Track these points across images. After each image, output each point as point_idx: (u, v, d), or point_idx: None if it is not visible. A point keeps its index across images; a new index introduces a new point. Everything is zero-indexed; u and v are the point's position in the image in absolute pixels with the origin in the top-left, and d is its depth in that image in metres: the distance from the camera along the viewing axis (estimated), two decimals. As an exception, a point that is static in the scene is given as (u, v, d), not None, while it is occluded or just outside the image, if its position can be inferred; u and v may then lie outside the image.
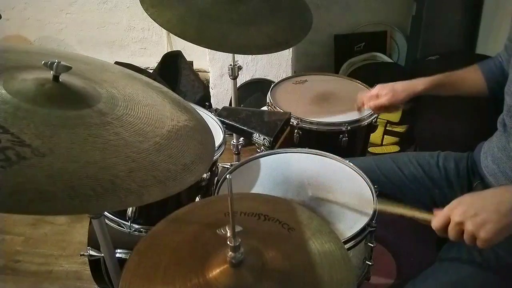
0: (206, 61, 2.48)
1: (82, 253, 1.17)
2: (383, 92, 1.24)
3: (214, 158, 1.14)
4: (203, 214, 0.83)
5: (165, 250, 0.72)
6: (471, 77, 1.22)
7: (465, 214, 0.82)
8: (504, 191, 0.85)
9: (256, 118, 1.27)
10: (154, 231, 0.78)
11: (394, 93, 1.23)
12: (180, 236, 0.76)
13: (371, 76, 2.29)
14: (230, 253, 0.65)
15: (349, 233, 0.92)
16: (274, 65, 2.43)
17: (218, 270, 0.66)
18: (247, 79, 2.48)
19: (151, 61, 2.85)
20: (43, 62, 0.69)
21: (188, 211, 0.84)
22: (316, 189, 1.06)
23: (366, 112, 1.38)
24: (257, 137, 1.21)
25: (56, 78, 0.70)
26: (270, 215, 0.80)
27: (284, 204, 0.87)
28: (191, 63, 2.78)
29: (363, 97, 1.31)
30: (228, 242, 0.64)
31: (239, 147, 1.60)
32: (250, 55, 2.37)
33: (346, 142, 1.34)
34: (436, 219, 0.86)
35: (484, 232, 0.79)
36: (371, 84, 1.42)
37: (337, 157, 1.17)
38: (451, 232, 0.84)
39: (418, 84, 1.22)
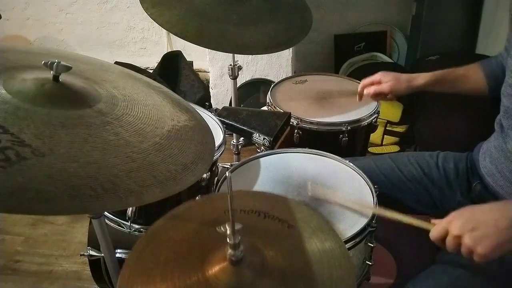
0: (206, 61, 2.48)
1: (82, 253, 1.17)
2: (386, 79, 1.25)
3: (214, 158, 1.14)
4: (203, 212, 0.83)
5: (164, 247, 0.72)
6: (471, 74, 1.23)
7: (463, 227, 0.81)
8: (503, 206, 0.85)
9: (256, 118, 1.26)
10: (154, 228, 0.78)
11: (396, 81, 1.23)
12: (179, 233, 0.75)
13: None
14: (230, 251, 0.65)
15: (349, 233, 0.92)
16: (274, 65, 2.43)
17: (217, 268, 0.66)
18: (247, 79, 2.48)
19: (151, 61, 2.86)
20: (43, 62, 0.69)
21: (188, 209, 0.84)
22: (316, 189, 1.06)
23: (366, 111, 1.38)
24: (257, 137, 1.21)
25: (56, 78, 0.70)
26: (270, 212, 0.80)
27: (283, 201, 0.86)
28: (191, 63, 2.78)
29: (364, 82, 1.31)
30: (228, 240, 0.64)
31: (239, 147, 1.60)
32: (250, 55, 2.37)
33: (346, 142, 1.33)
34: (435, 230, 0.85)
35: (482, 248, 0.79)
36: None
37: (337, 157, 1.17)
38: (449, 244, 0.83)
39: (419, 78, 1.23)
